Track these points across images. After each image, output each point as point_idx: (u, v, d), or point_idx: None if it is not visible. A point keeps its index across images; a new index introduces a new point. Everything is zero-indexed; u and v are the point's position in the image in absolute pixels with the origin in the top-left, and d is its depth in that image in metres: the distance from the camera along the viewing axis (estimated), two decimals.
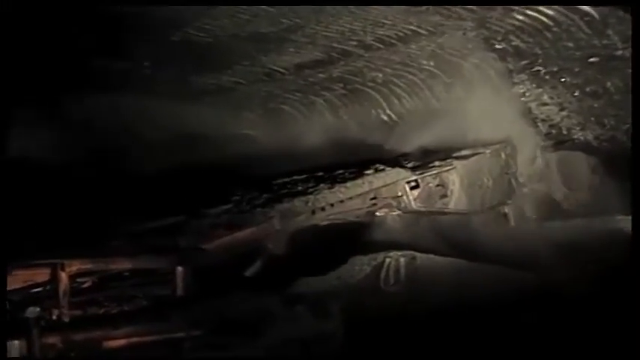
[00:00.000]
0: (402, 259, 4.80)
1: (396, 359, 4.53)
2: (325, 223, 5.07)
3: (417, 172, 5.49)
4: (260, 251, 4.81)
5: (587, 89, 4.95)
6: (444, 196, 5.55)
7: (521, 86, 5.19)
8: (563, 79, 4.97)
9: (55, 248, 4.27)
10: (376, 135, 6.64)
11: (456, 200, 5.59)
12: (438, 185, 5.52)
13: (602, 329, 4.58)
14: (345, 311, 4.57)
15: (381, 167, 5.46)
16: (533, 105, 5.24)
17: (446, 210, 5.46)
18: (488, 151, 5.81)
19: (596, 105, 5.00)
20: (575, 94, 5.03)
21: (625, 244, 5.02)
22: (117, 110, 6.50)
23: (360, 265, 4.71)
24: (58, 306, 4.14)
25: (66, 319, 4.14)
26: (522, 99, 5.22)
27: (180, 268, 4.40)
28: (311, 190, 5.18)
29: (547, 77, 5.01)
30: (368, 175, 5.37)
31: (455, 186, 5.56)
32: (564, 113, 5.16)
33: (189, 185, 5.89)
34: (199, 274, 4.56)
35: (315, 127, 7.11)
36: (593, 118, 5.09)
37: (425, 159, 5.75)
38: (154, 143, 6.74)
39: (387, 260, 4.75)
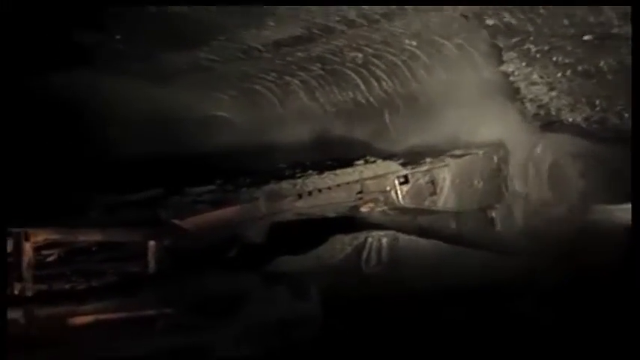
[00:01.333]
0: (384, 240, 4.65)
1: (375, 342, 4.36)
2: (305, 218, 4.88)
3: (408, 167, 5.32)
4: (238, 239, 4.65)
5: (579, 68, 4.78)
6: (433, 193, 5.39)
7: (510, 65, 5.00)
8: (554, 58, 4.79)
9: (22, 216, 4.04)
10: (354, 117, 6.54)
11: (445, 199, 5.44)
12: (428, 182, 5.36)
13: (583, 318, 4.49)
14: (325, 292, 4.40)
15: (372, 159, 5.31)
16: (522, 85, 5.07)
17: (434, 208, 5.27)
18: (481, 152, 5.69)
19: (587, 85, 4.82)
20: (567, 73, 4.85)
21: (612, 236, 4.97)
22: (87, 87, 6.31)
23: (341, 245, 4.53)
24: (21, 279, 3.92)
25: (29, 294, 3.92)
26: (511, 78, 5.03)
27: (152, 243, 4.20)
28: (299, 174, 5.02)
29: (538, 55, 4.83)
30: (358, 165, 5.23)
31: (445, 184, 5.42)
32: (554, 93, 5.00)
33: (168, 170, 5.74)
34: (174, 252, 4.37)
35: (291, 110, 6.97)
36: (583, 99, 4.93)
37: (415, 157, 5.59)
38: (129, 124, 6.58)
39: (369, 240, 4.59)
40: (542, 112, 5.15)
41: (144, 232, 4.25)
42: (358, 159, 5.32)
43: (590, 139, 5.45)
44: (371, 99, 6.42)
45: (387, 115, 6.42)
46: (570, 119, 5.08)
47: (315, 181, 4.92)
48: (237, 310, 4.01)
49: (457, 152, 5.61)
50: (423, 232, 4.99)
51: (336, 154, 5.95)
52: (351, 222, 4.92)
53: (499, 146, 5.77)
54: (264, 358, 4.11)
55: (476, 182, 5.61)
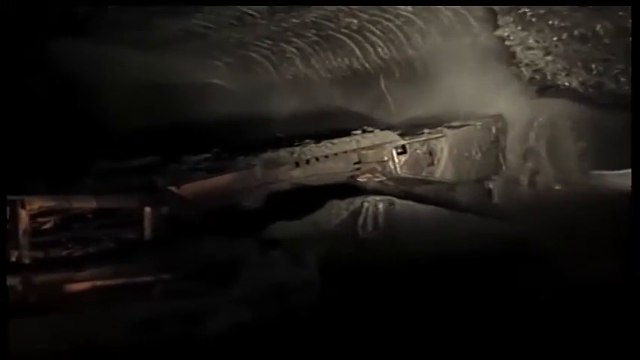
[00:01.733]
0: (380, 205, 4.62)
1: (371, 308, 4.36)
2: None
3: (406, 138, 5.34)
4: (235, 206, 4.64)
5: (576, 32, 4.74)
6: (431, 164, 5.42)
7: (505, 29, 4.95)
8: (550, 22, 4.75)
9: (19, 183, 4.02)
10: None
11: (443, 169, 5.47)
12: (425, 152, 5.37)
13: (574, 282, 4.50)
14: (322, 258, 4.40)
15: (370, 129, 5.31)
16: (517, 49, 5.03)
17: (431, 179, 5.27)
18: (479, 123, 5.72)
19: (583, 49, 4.79)
20: (563, 37, 4.81)
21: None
22: (83, 56, 6.28)
23: (338, 210, 4.52)
24: (18, 246, 3.91)
25: (26, 261, 3.91)
26: (506, 42, 5.00)
27: (148, 209, 4.18)
28: (297, 143, 5.00)
29: (533, 19, 4.79)
30: (356, 134, 5.22)
31: (443, 154, 5.45)
32: (549, 58, 4.96)
33: (164, 137, 5.73)
34: (171, 218, 4.36)
35: (287, 77, 6.96)
36: (579, 63, 4.88)
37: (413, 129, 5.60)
38: (125, 92, 6.57)
39: (365, 205, 4.57)
40: (537, 77, 5.12)
41: (139, 199, 4.23)
42: (356, 129, 5.28)
43: (587, 104, 5.43)
44: (367, 65, 6.40)
45: (382, 82, 6.41)
46: (566, 83, 5.05)
47: (312, 149, 4.92)
48: (234, 275, 4.00)
49: (455, 123, 5.61)
50: (420, 199, 4.99)
51: (333, 125, 5.94)
52: (348, 188, 4.91)
53: (497, 118, 5.80)
54: (262, 323, 4.10)
55: (474, 153, 5.63)
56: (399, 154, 5.23)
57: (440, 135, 5.44)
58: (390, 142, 5.25)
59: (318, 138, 5.09)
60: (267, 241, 4.21)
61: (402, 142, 5.28)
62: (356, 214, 4.56)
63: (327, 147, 5.01)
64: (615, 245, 4.77)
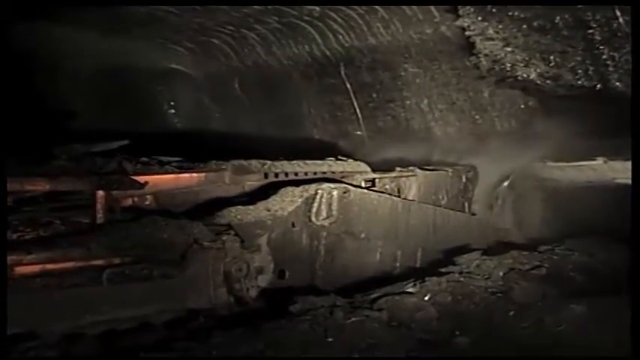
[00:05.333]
0: (334, 193, 4.61)
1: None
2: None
3: (377, 172, 5.38)
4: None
5: (535, 24, 4.71)
6: None
7: (466, 19, 4.93)
8: (510, 13, 4.72)
9: None
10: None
11: None
12: (393, 188, 5.42)
13: None
14: (275, 244, 4.40)
15: (344, 158, 5.36)
16: (477, 39, 5.00)
17: None
18: (450, 169, 5.86)
19: (542, 41, 4.77)
20: (522, 28, 4.79)
21: None
22: (45, 37, 6.23)
23: (292, 197, 4.51)
24: None
25: None
26: (467, 33, 4.98)
27: (101, 193, 4.13)
28: (270, 157, 4.98)
29: (494, 10, 4.77)
30: (329, 160, 5.27)
31: (410, 193, 5.49)
32: (509, 49, 4.93)
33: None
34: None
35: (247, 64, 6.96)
36: (538, 55, 4.86)
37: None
38: (85, 75, 6.53)
39: (320, 192, 4.55)
40: (496, 68, 5.09)
41: (92, 182, 4.18)
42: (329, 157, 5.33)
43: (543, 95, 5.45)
44: (327, 52, 6.39)
45: (342, 69, 6.43)
46: (525, 75, 5.02)
47: (284, 164, 4.93)
48: (186, 260, 3.97)
49: (427, 167, 5.73)
50: None
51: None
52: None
53: (469, 168, 6.00)
54: (212, 308, 4.10)
55: (440, 197, 5.73)
56: (367, 188, 5.23)
57: (411, 174, 5.49)
58: (361, 172, 5.29)
59: (291, 159, 5.09)
60: (221, 226, 4.18)
61: (373, 175, 5.32)
62: (310, 201, 4.54)
63: (299, 165, 5.03)
64: None
